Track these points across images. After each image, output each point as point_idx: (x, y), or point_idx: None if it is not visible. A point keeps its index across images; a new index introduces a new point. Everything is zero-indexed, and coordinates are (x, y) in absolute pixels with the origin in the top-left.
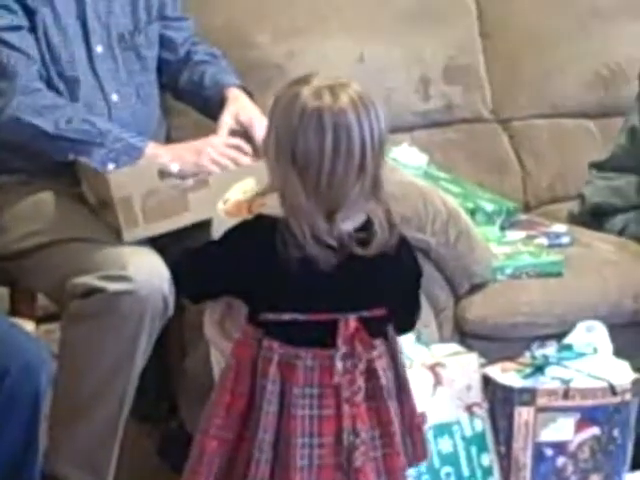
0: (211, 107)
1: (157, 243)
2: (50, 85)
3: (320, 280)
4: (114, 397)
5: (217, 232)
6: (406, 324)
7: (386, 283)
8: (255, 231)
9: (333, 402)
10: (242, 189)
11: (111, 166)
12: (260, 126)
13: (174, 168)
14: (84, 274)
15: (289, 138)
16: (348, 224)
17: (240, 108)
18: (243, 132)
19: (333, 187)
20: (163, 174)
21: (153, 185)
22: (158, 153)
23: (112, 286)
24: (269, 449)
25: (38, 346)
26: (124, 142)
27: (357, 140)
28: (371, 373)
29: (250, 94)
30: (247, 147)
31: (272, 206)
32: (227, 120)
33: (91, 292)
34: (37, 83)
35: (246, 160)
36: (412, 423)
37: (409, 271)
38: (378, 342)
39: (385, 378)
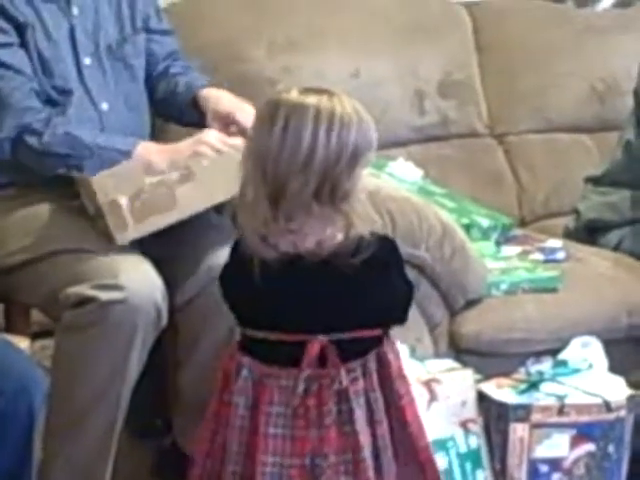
0: (185, 111)
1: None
2: (46, 98)
3: (288, 300)
4: (108, 408)
5: None
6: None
7: (357, 304)
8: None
9: (304, 423)
10: None
11: None
12: (240, 110)
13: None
14: (76, 284)
15: (253, 133)
16: (309, 239)
17: (216, 104)
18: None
19: (277, 176)
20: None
21: (139, 185)
22: (152, 159)
23: (104, 295)
24: (240, 462)
25: (32, 366)
26: (111, 149)
27: (307, 139)
28: (343, 396)
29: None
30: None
31: None
32: (212, 124)
33: (83, 302)
34: (30, 101)
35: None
36: (417, 454)
37: (389, 291)
38: (356, 364)
39: (359, 402)
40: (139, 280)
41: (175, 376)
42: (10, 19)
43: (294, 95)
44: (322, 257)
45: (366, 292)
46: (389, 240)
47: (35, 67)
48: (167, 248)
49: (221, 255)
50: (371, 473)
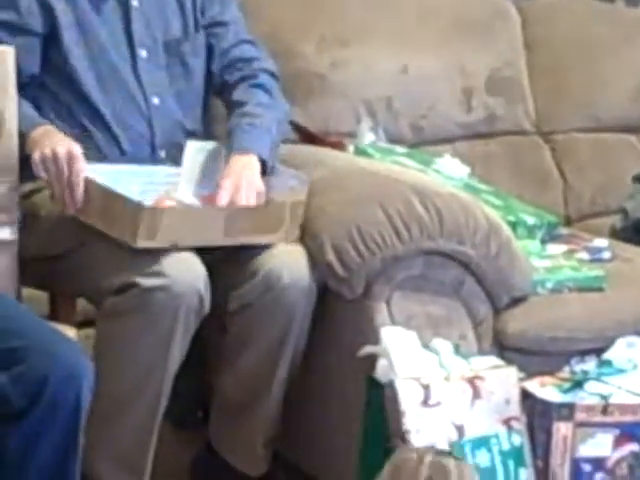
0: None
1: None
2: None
3: None
4: (150, 395)
5: None
6: None
7: None
8: None
9: None
10: None
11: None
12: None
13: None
14: (119, 271)
15: None
16: None
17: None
18: None
19: None
20: None
21: None
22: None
23: (146, 282)
24: None
25: (80, 354)
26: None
27: None
28: None
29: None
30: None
31: None
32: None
33: (126, 288)
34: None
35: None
36: None
37: None
38: None
39: None
40: (181, 267)
41: (217, 377)
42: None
43: (431, 456)
44: None
45: None
46: None
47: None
48: (226, 250)
49: (279, 261)
50: None
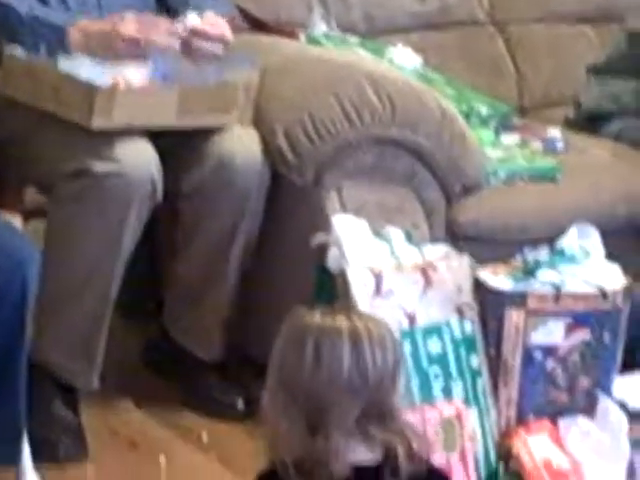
0: None
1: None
2: None
3: None
4: (102, 281)
5: None
6: None
7: None
8: None
9: None
10: None
11: (43, 49)
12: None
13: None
14: (72, 155)
15: (280, 361)
16: (359, 454)
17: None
18: None
19: (313, 404)
20: None
21: None
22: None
23: (99, 167)
24: None
25: (25, 241)
26: (45, 24)
27: (347, 364)
28: None
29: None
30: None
31: None
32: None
33: (78, 173)
34: None
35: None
36: None
37: None
38: None
39: None
40: (135, 154)
41: (170, 264)
42: None
43: (320, 318)
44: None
45: None
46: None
47: None
48: (179, 134)
49: (232, 143)
50: None
